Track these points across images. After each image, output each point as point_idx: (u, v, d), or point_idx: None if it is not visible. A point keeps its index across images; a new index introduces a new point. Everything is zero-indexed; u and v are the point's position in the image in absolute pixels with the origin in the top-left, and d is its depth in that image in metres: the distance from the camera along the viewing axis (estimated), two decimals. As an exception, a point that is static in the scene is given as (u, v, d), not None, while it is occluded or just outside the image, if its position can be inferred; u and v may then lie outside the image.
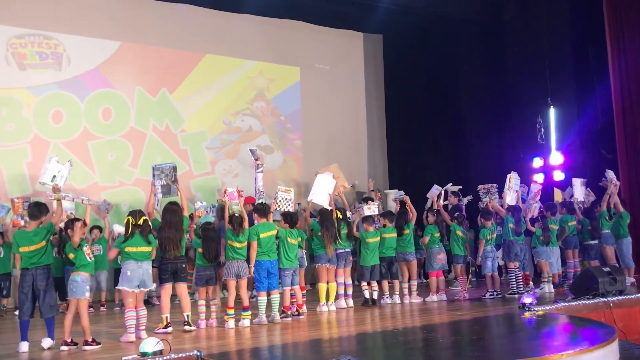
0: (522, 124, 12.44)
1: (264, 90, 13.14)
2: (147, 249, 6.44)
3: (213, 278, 7.22)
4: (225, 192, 7.45)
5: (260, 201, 8.37)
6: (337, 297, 8.22)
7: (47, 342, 5.95)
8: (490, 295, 8.64)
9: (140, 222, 6.41)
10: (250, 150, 8.83)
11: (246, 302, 7.03)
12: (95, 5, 11.27)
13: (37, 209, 6.17)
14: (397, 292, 8.65)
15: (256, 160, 8.43)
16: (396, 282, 8.76)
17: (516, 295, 8.36)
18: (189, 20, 12.19)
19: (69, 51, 10.98)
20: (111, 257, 6.72)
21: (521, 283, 8.84)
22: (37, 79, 10.69)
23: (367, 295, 8.41)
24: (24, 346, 5.85)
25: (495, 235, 8.92)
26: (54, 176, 6.78)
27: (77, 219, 6.39)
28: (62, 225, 6.72)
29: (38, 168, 9.82)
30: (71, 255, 6.11)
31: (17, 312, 7.19)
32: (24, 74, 10.61)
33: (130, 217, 6.45)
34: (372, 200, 9.87)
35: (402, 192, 9.32)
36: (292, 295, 7.60)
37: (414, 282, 8.79)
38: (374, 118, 14.59)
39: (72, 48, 11.00)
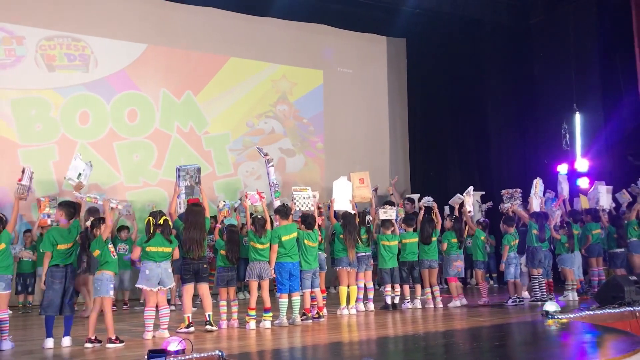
0: (547, 129, 12.30)
1: (287, 94, 13.20)
2: (168, 249, 6.52)
3: (234, 279, 7.28)
4: (246, 196, 7.50)
5: (275, 195, 8.38)
6: (357, 300, 8.22)
7: (67, 341, 6.04)
8: (512, 301, 8.55)
9: (161, 221, 6.50)
10: (258, 148, 9.04)
11: (268, 304, 7.06)
12: (123, 8, 11.45)
13: (75, 209, 6.29)
14: (418, 297, 8.62)
15: (265, 155, 8.56)
16: (418, 287, 8.73)
17: (539, 303, 8.26)
18: (215, 24, 12.32)
19: (96, 53, 11.17)
20: (134, 256, 6.77)
21: (544, 290, 8.74)
22: (65, 80, 10.90)
23: (389, 300, 8.39)
24: (50, 342, 5.95)
25: (517, 241, 8.83)
26: (80, 174, 6.87)
27: (104, 219, 6.48)
28: (88, 223, 6.81)
29: (65, 168, 9.92)
30: (97, 252, 6.19)
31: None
32: (53, 75, 10.82)
33: (150, 218, 6.55)
34: (392, 204, 9.82)
35: (430, 198, 9.25)
36: (312, 298, 7.62)
37: (436, 288, 8.76)
38: (397, 122, 14.55)
39: (99, 50, 11.19)
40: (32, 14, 10.65)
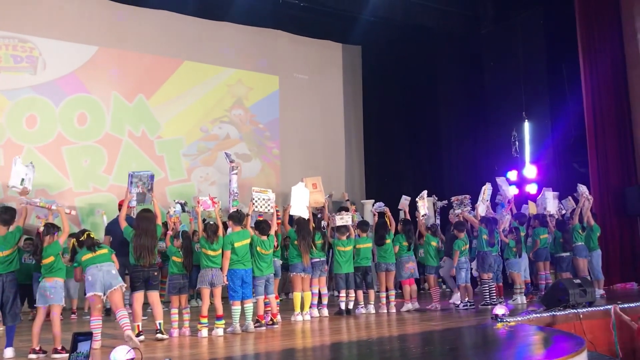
0: (498, 136, 12.63)
1: (243, 98, 13.14)
2: (103, 251, 6.38)
3: (186, 286, 7.16)
4: (198, 202, 7.40)
5: (234, 203, 8.30)
6: (310, 306, 8.22)
7: (9, 352, 5.81)
8: (463, 306, 8.71)
9: (84, 237, 6.38)
10: (225, 153, 8.94)
11: (220, 311, 6.98)
12: (73, 10, 11.18)
13: (10, 215, 6.06)
14: (372, 302, 8.68)
15: (231, 162, 8.47)
16: (371, 292, 8.78)
17: (489, 306, 8.44)
18: (168, 27, 12.15)
19: (44, 55, 10.86)
20: (77, 278, 6.56)
21: (494, 294, 8.93)
22: (11, 82, 10.55)
23: (343, 306, 8.42)
24: (-9, 354, 5.74)
25: (467, 246, 9.01)
26: (23, 179, 6.64)
27: (55, 226, 6.27)
28: (40, 229, 6.58)
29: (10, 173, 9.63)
30: (51, 258, 5.98)
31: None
32: (-2, 76, 10.46)
33: (73, 240, 6.53)
34: (346, 210, 9.88)
35: (382, 204, 9.35)
36: (266, 304, 7.57)
37: (392, 292, 8.83)
38: (352, 128, 14.68)
39: (48, 52, 10.88)
40: (-25, 13, 10.28)
